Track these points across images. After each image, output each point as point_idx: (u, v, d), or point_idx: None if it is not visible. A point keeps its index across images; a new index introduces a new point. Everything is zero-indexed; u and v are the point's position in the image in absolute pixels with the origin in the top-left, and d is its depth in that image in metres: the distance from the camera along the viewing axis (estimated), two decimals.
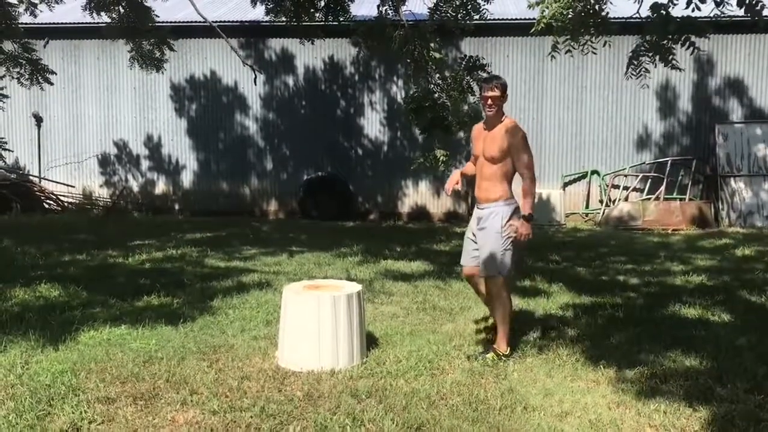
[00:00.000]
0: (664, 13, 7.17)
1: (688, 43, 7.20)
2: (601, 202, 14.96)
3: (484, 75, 11.03)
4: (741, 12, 7.07)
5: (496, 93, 4.75)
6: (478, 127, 5.05)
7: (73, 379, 4.26)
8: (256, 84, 15.02)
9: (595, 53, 7.19)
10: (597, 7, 7.02)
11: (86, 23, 14.41)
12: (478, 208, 4.89)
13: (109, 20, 12.95)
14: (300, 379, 4.37)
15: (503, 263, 4.73)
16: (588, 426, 3.72)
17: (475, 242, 4.90)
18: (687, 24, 7.15)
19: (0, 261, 8.52)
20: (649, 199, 14.47)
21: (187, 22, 15.25)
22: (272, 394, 4.11)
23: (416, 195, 15.76)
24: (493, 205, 4.78)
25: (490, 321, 5.35)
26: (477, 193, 4.90)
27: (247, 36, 15.74)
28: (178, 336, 5.27)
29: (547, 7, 6.52)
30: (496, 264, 4.74)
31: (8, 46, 12.36)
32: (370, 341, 5.08)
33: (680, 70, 7.91)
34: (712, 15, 7.32)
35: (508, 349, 4.82)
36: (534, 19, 7.05)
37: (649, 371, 4.51)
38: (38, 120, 16.44)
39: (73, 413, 3.76)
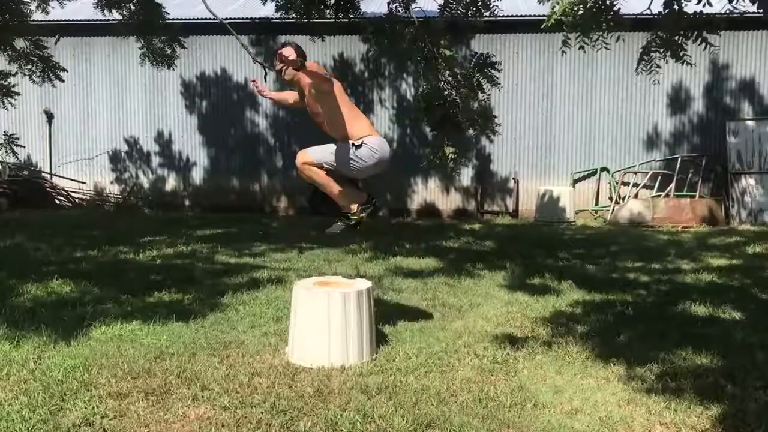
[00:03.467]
0: (676, 8, 7.13)
1: (700, 39, 7.16)
2: (610, 199, 14.90)
3: (495, 72, 10.99)
4: (754, 8, 7.02)
5: (278, 66, 4.91)
6: None
7: (85, 374, 4.29)
8: (266, 81, 15.04)
9: (608, 49, 7.15)
10: (608, 2, 6.98)
11: (97, 20, 14.48)
12: None
13: (119, 17, 12.99)
14: (310, 375, 4.38)
15: (325, 159, 4.92)
16: (598, 423, 3.71)
17: None
18: (699, 20, 7.10)
19: (13, 257, 8.58)
20: (659, 196, 14.40)
21: (198, 19, 15.27)
22: (282, 390, 4.12)
23: (425, 192, 15.76)
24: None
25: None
26: None
27: (257, 33, 15.76)
28: (189, 332, 5.30)
29: (558, 3, 6.48)
30: (319, 152, 4.92)
31: (20, 43, 12.41)
32: (379, 338, 5.09)
33: (691, 65, 7.86)
34: (724, 11, 7.27)
35: (359, 207, 5.07)
36: (544, 15, 7.01)
37: (659, 369, 4.50)
38: (49, 116, 16.53)
39: (85, 408, 3.78)
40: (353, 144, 4.86)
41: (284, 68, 4.88)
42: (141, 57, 13.26)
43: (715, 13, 7.32)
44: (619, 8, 7.14)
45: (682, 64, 7.54)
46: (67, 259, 8.51)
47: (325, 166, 4.94)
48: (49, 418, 3.66)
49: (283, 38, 15.69)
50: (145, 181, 16.60)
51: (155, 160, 16.52)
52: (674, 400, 3.97)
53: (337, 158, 4.89)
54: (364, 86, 15.79)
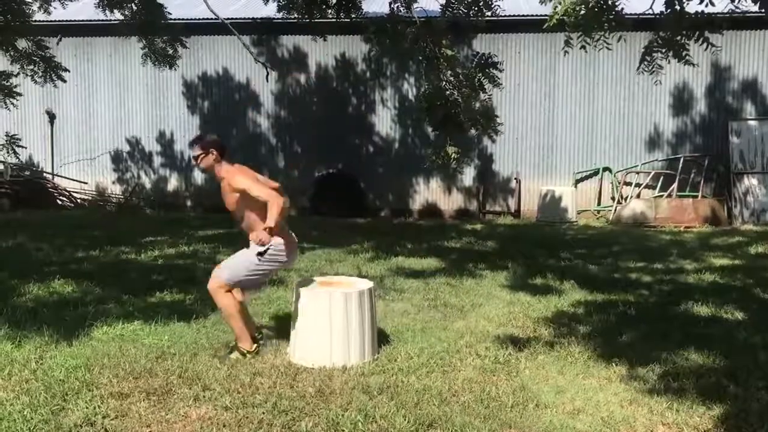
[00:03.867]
0: (678, 8, 7.12)
1: (702, 38, 7.14)
2: (613, 199, 14.89)
3: (497, 72, 10.97)
4: (756, 8, 7.00)
5: (197, 152, 4.83)
6: None
7: (86, 374, 4.30)
8: (268, 81, 15.06)
9: (609, 49, 7.13)
10: (610, 2, 6.97)
11: (99, 20, 14.49)
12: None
13: (121, 17, 13.00)
14: (312, 375, 4.38)
15: (237, 274, 4.70)
16: (600, 423, 3.70)
17: None
18: (701, 20, 7.09)
19: (15, 257, 8.59)
20: (662, 196, 14.38)
21: (200, 19, 15.27)
22: (284, 390, 4.12)
23: (427, 192, 15.75)
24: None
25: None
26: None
27: (259, 33, 15.76)
28: (191, 332, 5.31)
29: (560, 2, 6.47)
30: (231, 269, 4.72)
31: (22, 43, 12.42)
32: (381, 338, 5.09)
33: (693, 65, 7.85)
34: (726, 11, 7.25)
35: (254, 345, 4.78)
36: (546, 15, 7.00)
37: (661, 369, 4.50)
38: (51, 117, 16.54)
39: (87, 408, 3.79)
40: (258, 252, 4.68)
41: (201, 157, 4.81)
42: (143, 57, 13.26)
43: (717, 13, 7.30)
44: (622, 8, 7.12)
45: (685, 63, 7.53)
46: (68, 259, 8.51)
47: (242, 280, 4.75)
48: (51, 418, 3.66)
49: (284, 38, 15.74)
50: (146, 182, 16.60)
51: (157, 160, 16.52)
52: (676, 401, 3.96)
53: (247, 270, 4.72)
54: (365, 86, 15.79)
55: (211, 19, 13.88)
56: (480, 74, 10.88)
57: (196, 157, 4.87)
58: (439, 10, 11.11)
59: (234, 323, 4.75)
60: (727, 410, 3.82)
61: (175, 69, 13.80)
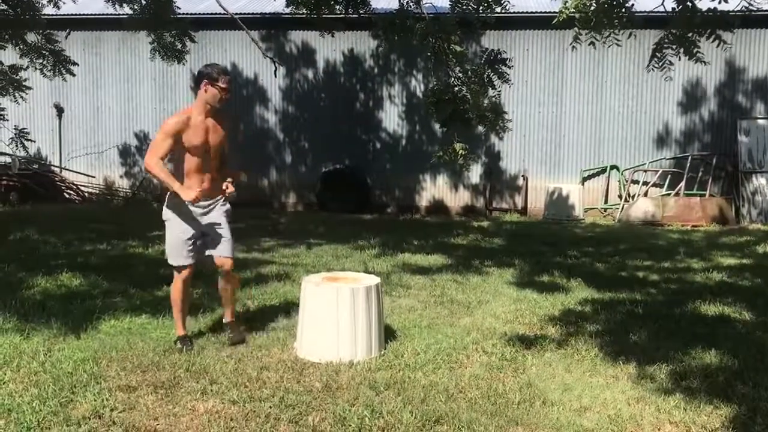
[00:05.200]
0: (689, 4, 7.07)
1: (714, 36, 7.09)
2: (620, 197, 14.84)
3: (506, 69, 10.93)
4: None
5: (229, 84, 4.86)
6: (194, 119, 4.82)
7: (94, 367, 4.32)
8: (276, 76, 15.03)
9: (619, 45, 7.10)
10: None
11: (108, 14, 14.50)
12: (205, 201, 4.84)
13: (130, 11, 13.01)
14: (319, 370, 4.39)
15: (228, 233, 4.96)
16: (607, 421, 3.70)
17: (220, 233, 4.92)
18: (713, 17, 7.04)
19: (23, 250, 8.62)
20: (669, 194, 14.32)
21: (208, 13, 15.29)
22: (291, 384, 4.13)
23: (434, 189, 15.73)
24: (220, 196, 5.04)
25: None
26: (206, 186, 4.84)
27: (267, 28, 15.75)
28: (198, 326, 5.32)
29: None
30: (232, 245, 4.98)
31: (31, 37, 12.45)
32: (388, 334, 5.09)
33: (705, 63, 7.79)
34: (739, 8, 7.20)
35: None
36: (554, 12, 6.98)
37: (669, 368, 4.48)
38: (59, 111, 16.59)
39: (95, 401, 3.80)
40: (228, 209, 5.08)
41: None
42: (151, 52, 13.26)
43: (729, 11, 7.25)
44: (632, 4, 7.09)
45: (695, 61, 7.48)
46: (76, 253, 8.55)
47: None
48: (60, 410, 3.68)
49: (292, 34, 15.72)
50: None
51: None
52: (684, 399, 3.95)
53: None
54: (373, 82, 15.76)
55: (220, 13, 13.89)
56: (489, 70, 10.85)
57: (227, 90, 4.80)
58: (449, 6, 11.09)
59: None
60: (735, 409, 3.81)
61: (183, 64, 13.81)
